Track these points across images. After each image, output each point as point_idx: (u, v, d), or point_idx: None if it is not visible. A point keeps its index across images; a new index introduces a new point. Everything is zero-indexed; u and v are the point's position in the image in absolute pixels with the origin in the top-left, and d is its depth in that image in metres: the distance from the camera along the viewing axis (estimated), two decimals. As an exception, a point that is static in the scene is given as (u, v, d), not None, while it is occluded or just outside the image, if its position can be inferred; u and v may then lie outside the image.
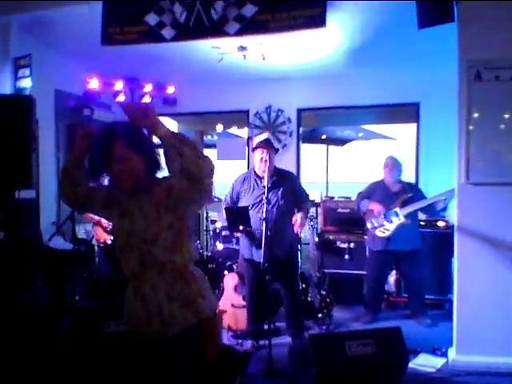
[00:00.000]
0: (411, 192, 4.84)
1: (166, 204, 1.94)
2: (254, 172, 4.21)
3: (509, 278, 3.64)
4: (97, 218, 4.31)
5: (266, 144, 4.12)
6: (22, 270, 4.50)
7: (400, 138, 10.07)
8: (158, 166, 2.05)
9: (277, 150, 4.26)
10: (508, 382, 3.44)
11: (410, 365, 3.59)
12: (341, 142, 10.14)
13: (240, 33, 4.08)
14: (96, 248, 4.90)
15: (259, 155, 4.09)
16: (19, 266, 4.34)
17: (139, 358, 2.06)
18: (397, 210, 4.76)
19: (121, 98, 6.49)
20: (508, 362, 3.58)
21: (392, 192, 4.91)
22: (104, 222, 4.29)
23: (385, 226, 4.81)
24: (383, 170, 5.02)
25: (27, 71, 4.79)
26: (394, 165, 4.95)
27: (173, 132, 1.84)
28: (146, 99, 6.62)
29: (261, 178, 4.11)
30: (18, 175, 3.91)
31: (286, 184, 4.12)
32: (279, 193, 4.07)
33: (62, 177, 2.14)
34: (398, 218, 4.74)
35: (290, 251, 4.23)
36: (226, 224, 4.59)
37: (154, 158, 2.03)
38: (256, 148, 4.15)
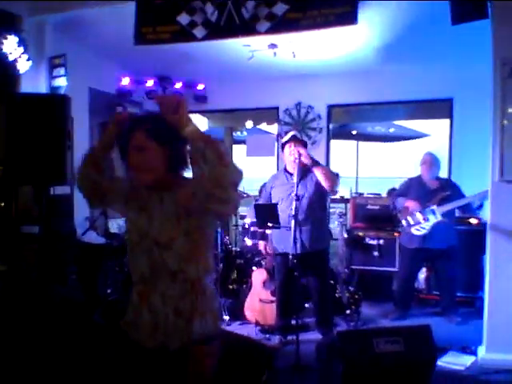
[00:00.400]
0: (449, 189, 4.74)
1: (189, 208, 1.79)
2: (285, 169, 4.28)
3: (541, 278, 3.57)
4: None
5: (294, 139, 4.17)
6: (57, 264, 4.65)
7: (433, 134, 9.92)
8: (183, 164, 1.87)
9: (305, 144, 4.27)
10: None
11: (439, 362, 3.57)
12: (372, 138, 10.05)
13: (271, 31, 4.10)
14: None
15: (289, 152, 4.13)
16: (54, 260, 4.48)
17: (138, 368, 1.95)
18: (434, 208, 4.67)
19: (152, 95, 6.62)
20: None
21: (429, 189, 4.82)
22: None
23: (421, 224, 4.73)
24: (421, 167, 4.92)
25: (62, 70, 4.92)
26: (432, 161, 4.85)
27: (202, 133, 1.72)
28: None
29: (291, 174, 4.14)
30: (53, 172, 4.04)
31: (312, 176, 4.14)
32: (308, 185, 4.11)
33: (86, 163, 1.96)
34: (435, 216, 4.66)
35: (321, 243, 4.23)
36: (254, 220, 4.63)
37: (179, 155, 1.85)
38: (285, 144, 4.19)
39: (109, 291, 5.17)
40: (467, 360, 3.77)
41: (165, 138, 1.81)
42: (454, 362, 3.74)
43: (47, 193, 4.48)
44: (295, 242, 3.77)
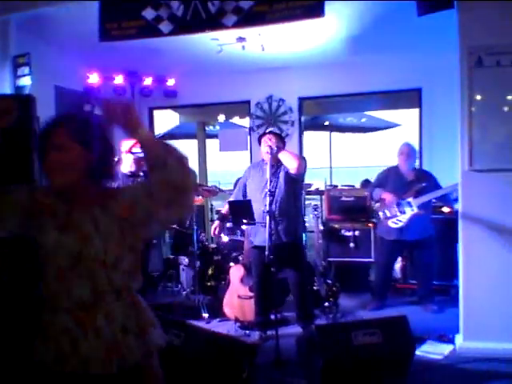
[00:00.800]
0: (425, 181, 4.76)
1: (132, 220, 1.63)
2: (263, 160, 4.25)
3: (513, 264, 3.64)
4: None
5: (272, 132, 4.19)
6: (29, 266, 4.53)
7: (404, 124, 10.04)
8: (107, 173, 1.71)
9: (284, 141, 4.29)
10: (515, 367, 3.46)
11: (417, 352, 3.61)
12: (344, 129, 10.11)
13: (238, 25, 4.06)
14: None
15: (265, 142, 4.12)
16: (25, 262, 4.36)
17: None
18: (410, 200, 4.70)
19: (121, 92, 6.51)
20: (514, 347, 3.59)
21: (406, 181, 4.83)
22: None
23: (398, 216, 4.76)
24: (398, 158, 4.91)
25: (26, 69, 4.79)
26: (409, 152, 4.86)
27: (158, 139, 1.63)
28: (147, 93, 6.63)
29: (266, 167, 4.11)
30: (19, 173, 3.91)
31: (285, 167, 4.13)
32: (281, 176, 4.11)
33: None
34: (412, 208, 4.69)
35: (296, 234, 4.23)
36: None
37: (105, 163, 1.67)
38: (262, 136, 4.20)
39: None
40: (445, 349, 3.82)
41: (91, 142, 1.61)
42: (431, 351, 3.79)
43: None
44: (270, 235, 3.76)
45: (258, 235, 4.13)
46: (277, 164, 4.12)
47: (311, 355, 3.29)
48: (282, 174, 4.12)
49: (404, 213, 4.74)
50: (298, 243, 4.29)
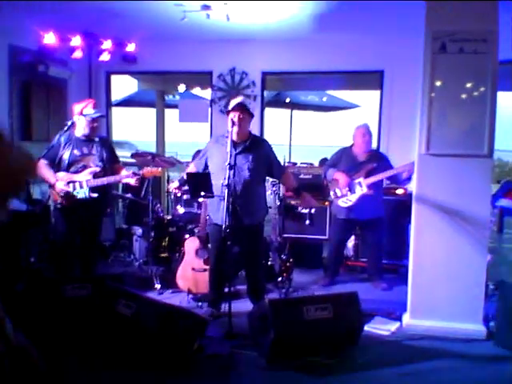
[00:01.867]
0: (377, 161, 4.84)
1: None
2: (225, 135, 4.07)
3: (462, 247, 3.76)
4: (52, 181, 4.14)
5: (240, 107, 3.99)
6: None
7: (364, 105, 10.14)
8: None
9: (252, 115, 4.13)
10: (460, 347, 3.59)
11: (366, 328, 3.72)
12: (305, 107, 10.12)
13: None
14: (52, 209, 4.77)
15: (231, 118, 3.96)
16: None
17: None
18: (360, 180, 4.78)
19: (78, 53, 6.24)
20: (459, 327, 3.74)
21: (358, 161, 4.89)
22: (58, 186, 4.12)
23: (347, 196, 4.84)
24: (354, 139, 4.95)
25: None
26: (365, 134, 4.89)
27: None
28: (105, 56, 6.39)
29: (233, 141, 3.95)
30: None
31: (258, 150, 4.03)
32: (250, 157, 3.98)
33: None
34: (361, 188, 4.77)
35: (256, 218, 4.14)
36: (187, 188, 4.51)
37: None
38: (230, 111, 4.01)
39: (32, 260, 4.94)
40: (392, 325, 3.93)
41: None
42: (379, 327, 3.89)
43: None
44: (228, 214, 3.67)
45: (217, 213, 4.05)
46: (247, 142, 4.01)
47: (263, 328, 3.32)
48: (254, 156, 3.99)
49: (354, 192, 4.82)
50: (256, 226, 4.18)
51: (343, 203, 4.89)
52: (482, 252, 3.78)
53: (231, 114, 3.98)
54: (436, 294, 3.83)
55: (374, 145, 6.29)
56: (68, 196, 4.14)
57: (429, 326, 3.79)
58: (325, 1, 4.85)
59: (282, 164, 4.65)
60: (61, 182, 4.12)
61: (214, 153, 4.12)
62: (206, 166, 4.19)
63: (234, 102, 4.05)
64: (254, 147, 4.05)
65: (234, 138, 3.96)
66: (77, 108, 4.23)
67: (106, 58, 6.44)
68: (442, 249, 3.82)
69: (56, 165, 4.19)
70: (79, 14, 5.37)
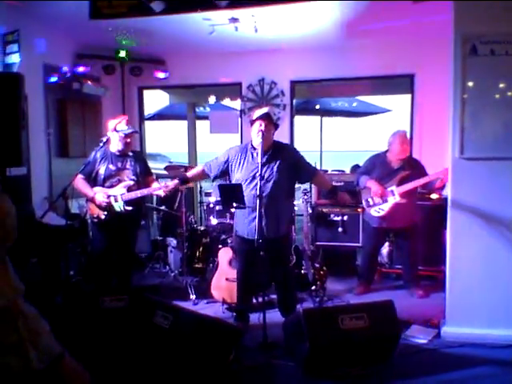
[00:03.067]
0: (411, 169, 4.73)
1: None
2: (252, 146, 4.04)
3: (500, 252, 3.68)
4: (90, 194, 4.28)
5: (265, 117, 3.95)
6: (16, 247, 4.51)
7: (395, 110, 10.04)
8: None
9: (276, 126, 4.10)
10: (498, 353, 3.51)
11: (403, 336, 3.66)
12: (335, 113, 10.08)
13: (231, 6, 4.01)
14: (89, 223, 4.91)
15: (257, 128, 3.92)
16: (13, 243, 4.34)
17: None
18: (393, 188, 4.70)
19: (111, 70, 6.42)
20: (499, 334, 3.66)
21: (392, 169, 4.80)
22: (97, 198, 4.26)
23: (380, 205, 4.78)
24: (391, 146, 4.82)
25: (15, 47, 4.70)
26: (404, 141, 4.77)
27: None
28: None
29: (257, 152, 3.90)
30: (7, 154, 3.83)
31: (283, 158, 3.96)
32: (275, 167, 3.92)
33: None
34: (394, 197, 4.70)
35: (283, 230, 4.08)
36: (219, 199, 4.55)
37: None
38: (255, 120, 3.98)
39: (71, 273, 5.07)
40: (430, 333, 3.87)
41: None
42: (417, 335, 3.84)
43: (3, 174, 4.31)
44: (260, 218, 3.61)
45: (242, 226, 4.05)
46: (269, 152, 3.96)
47: (298, 339, 3.32)
48: (279, 167, 3.93)
49: (386, 201, 4.75)
50: (282, 239, 4.10)
51: (375, 212, 4.84)
52: (521, 256, 3.69)
53: (256, 124, 3.96)
54: (474, 300, 3.75)
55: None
56: (108, 207, 4.26)
57: (467, 333, 3.71)
58: (352, 7, 4.86)
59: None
60: (100, 193, 4.25)
61: (239, 163, 4.04)
62: (223, 174, 4.15)
63: (258, 113, 4.04)
64: (278, 155, 3.98)
65: (260, 146, 3.89)
66: (111, 124, 4.35)
67: (138, 74, 6.59)
68: (478, 254, 3.74)
69: (92, 179, 4.32)
70: (111, 31, 5.51)
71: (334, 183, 5.66)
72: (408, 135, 5.02)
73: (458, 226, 3.79)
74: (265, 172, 3.86)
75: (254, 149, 3.99)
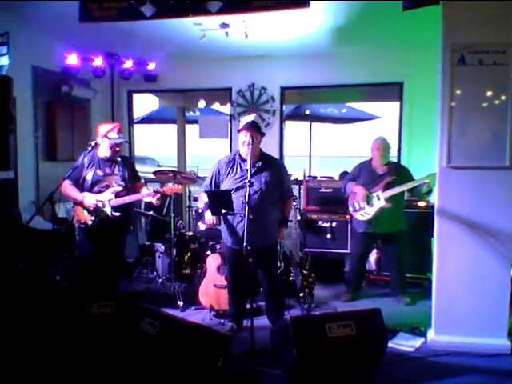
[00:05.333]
0: (397, 174, 4.79)
1: None
2: (239, 155, 4.06)
3: (487, 261, 3.71)
4: (79, 198, 4.23)
5: (251, 127, 3.95)
6: (2, 250, 4.46)
7: (384, 116, 10.10)
8: None
9: (263, 134, 4.11)
10: (485, 362, 3.53)
11: (390, 344, 3.65)
12: (325, 119, 10.13)
13: (222, 11, 4.01)
14: (76, 228, 4.86)
15: (243, 138, 3.95)
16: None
17: None
18: (379, 193, 4.75)
19: (100, 74, 6.38)
20: (485, 342, 3.68)
21: (378, 174, 4.87)
22: (86, 202, 4.21)
23: (365, 209, 4.82)
24: (372, 152, 4.94)
25: (4, 49, 4.65)
26: (383, 147, 4.86)
27: None
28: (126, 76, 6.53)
29: (245, 161, 3.94)
30: (-5, 156, 3.83)
31: (271, 170, 4.00)
32: (263, 179, 3.96)
33: None
34: (379, 201, 4.74)
35: (271, 239, 4.11)
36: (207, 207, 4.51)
37: None
38: (241, 130, 4.00)
39: (58, 278, 5.02)
40: (416, 341, 3.89)
41: None
42: (403, 343, 3.85)
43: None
44: (249, 225, 3.60)
45: (228, 235, 4.09)
46: (258, 163, 3.98)
47: (285, 346, 3.31)
48: (265, 179, 3.96)
49: (372, 206, 4.79)
50: (269, 248, 4.13)
51: (361, 216, 4.86)
52: (506, 265, 3.71)
53: (242, 134, 3.98)
54: (461, 308, 3.77)
55: (395, 157, 6.27)
56: (97, 210, 4.22)
57: (454, 342, 3.73)
58: (342, 15, 4.89)
59: (295, 187, 4.59)
60: (89, 197, 4.21)
61: (227, 173, 4.08)
62: (216, 186, 4.15)
63: (244, 121, 4.04)
64: (267, 167, 4.02)
65: (246, 158, 3.92)
66: (102, 130, 4.32)
67: (128, 77, 6.57)
68: (465, 262, 3.77)
69: (80, 185, 4.28)
70: (101, 35, 5.49)
71: (323, 189, 5.72)
72: (391, 141, 5.04)
73: (444, 234, 3.82)
74: (253, 182, 3.83)
75: (242, 159, 4.02)
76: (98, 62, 6.34)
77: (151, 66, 6.63)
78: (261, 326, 3.98)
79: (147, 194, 4.34)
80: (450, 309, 3.79)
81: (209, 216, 4.16)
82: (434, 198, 4.11)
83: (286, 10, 3.97)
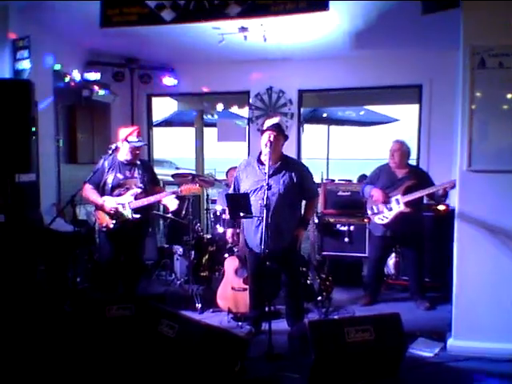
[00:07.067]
0: (416, 178, 4.75)
1: None
2: (258, 157, 4.06)
3: (508, 265, 3.66)
4: (99, 202, 4.30)
5: (275, 128, 3.97)
6: (24, 253, 4.54)
7: (403, 119, 10.02)
8: None
9: (286, 137, 4.11)
10: (505, 367, 3.48)
11: (409, 349, 3.63)
12: (343, 122, 10.09)
13: (241, 15, 4.02)
14: (97, 230, 4.93)
15: (266, 138, 3.93)
16: (21, 249, 4.37)
17: None
18: (398, 197, 4.71)
19: (120, 78, 6.47)
20: (505, 347, 3.62)
21: (397, 178, 4.82)
22: (107, 205, 4.27)
23: (384, 213, 4.79)
24: (389, 155, 4.88)
25: (26, 53, 4.75)
26: (400, 149, 4.81)
27: None
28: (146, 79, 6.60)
29: (264, 165, 3.92)
30: (17, 160, 3.92)
31: (291, 173, 3.99)
32: (281, 180, 3.95)
33: None
34: (399, 205, 4.70)
35: (288, 242, 4.06)
36: (225, 208, 4.56)
37: None
38: (265, 131, 4.00)
39: (78, 280, 5.09)
40: (436, 347, 3.84)
41: None
42: (423, 348, 3.81)
43: (12, 180, 4.35)
44: (267, 229, 3.66)
45: (250, 238, 4.09)
46: (277, 165, 3.98)
47: (303, 350, 3.30)
48: (284, 180, 3.95)
49: (391, 209, 4.75)
50: (290, 251, 4.10)
51: (379, 220, 4.83)
52: (528, 270, 3.66)
53: (265, 134, 3.97)
54: (481, 313, 3.72)
55: (414, 160, 6.22)
56: (118, 214, 4.28)
57: (474, 347, 3.68)
58: (360, 18, 4.87)
59: (317, 186, 4.53)
60: (109, 200, 4.27)
61: (245, 175, 4.10)
62: (238, 189, 4.17)
63: (269, 123, 4.07)
64: (286, 169, 4.00)
65: (265, 158, 3.93)
66: (122, 134, 4.38)
67: (147, 81, 6.65)
68: (486, 266, 3.72)
69: (100, 189, 4.35)
70: (121, 39, 5.56)
71: (340, 193, 5.70)
72: (414, 144, 5.00)
73: (465, 238, 3.78)
74: (271, 183, 3.86)
75: (261, 161, 4.02)
76: (119, 66, 6.43)
77: (170, 70, 6.69)
78: (279, 329, 3.97)
79: (165, 194, 4.40)
80: (470, 314, 3.74)
81: (228, 233, 4.46)
82: (453, 202, 4.07)
83: (304, 14, 3.97)
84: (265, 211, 3.69)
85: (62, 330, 3.86)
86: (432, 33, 4.98)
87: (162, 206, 6.06)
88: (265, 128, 4.04)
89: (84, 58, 6.32)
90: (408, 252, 5.01)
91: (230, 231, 4.51)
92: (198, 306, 4.78)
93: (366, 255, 5.44)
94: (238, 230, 4.45)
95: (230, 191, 4.30)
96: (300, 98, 6.78)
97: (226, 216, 4.47)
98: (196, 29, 5.05)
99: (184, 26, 4.57)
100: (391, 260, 5.48)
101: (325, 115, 9.44)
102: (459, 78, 3.75)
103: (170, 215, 5.66)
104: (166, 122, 10.68)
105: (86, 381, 3.29)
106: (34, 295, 4.26)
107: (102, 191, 4.35)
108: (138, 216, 4.31)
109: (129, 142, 4.34)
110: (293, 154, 6.41)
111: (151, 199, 4.38)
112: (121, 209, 4.29)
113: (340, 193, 5.72)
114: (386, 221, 4.79)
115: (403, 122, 10.21)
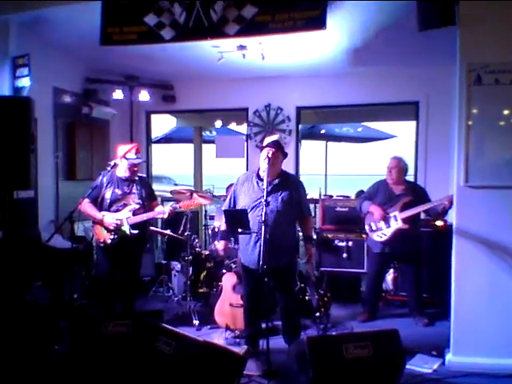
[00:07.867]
0: (414, 194, 4.77)
1: None
2: (257, 173, 4.06)
3: (506, 281, 3.66)
4: (98, 217, 4.31)
5: (274, 145, 3.98)
6: (21, 269, 4.53)
7: (400, 136, 10.08)
8: None
9: (285, 154, 4.12)
10: (504, 383, 3.46)
11: (407, 366, 3.61)
12: (340, 138, 10.13)
13: (240, 34, 4.08)
14: (94, 246, 4.92)
15: (265, 154, 3.93)
16: (18, 265, 4.36)
17: None
18: (396, 213, 4.73)
19: (119, 95, 6.52)
20: (504, 363, 3.61)
21: (394, 194, 4.85)
22: (106, 220, 4.28)
23: (382, 230, 4.80)
24: (387, 172, 4.93)
25: (25, 70, 4.80)
26: (398, 166, 4.85)
27: None
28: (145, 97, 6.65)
29: (263, 180, 3.90)
30: (16, 176, 3.92)
31: (289, 189, 3.98)
32: (279, 197, 3.94)
33: None
34: (397, 222, 4.72)
35: (286, 260, 4.04)
36: (224, 226, 4.54)
37: None
38: (264, 147, 4.01)
39: (75, 296, 5.07)
40: (435, 363, 3.82)
41: None
42: (421, 365, 3.79)
43: (11, 197, 4.36)
44: (265, 244, 3.63)
45: (245, 255, 4.06)
46: (276, 181, 3.97)
47: (302, 366, 3.28)
48: (282, 198, 3.94)
49: (389, 226, 4.76)
50: (286, 267, 4.06)
51: (378, 237, 4.84)
52: (526, 286, 3.66)
53: (264, 151, 3.97)
54: (479, 328, 3.72)
55: (411, 177, 6.24)
56: (117, 230, 4.28)
57: (473, 363, 3.67)
58: (358, 36, 4.94)
59: (311, 206, 4.58)
60: (109, 216, 4.28)
61: (244, 190, 4.08)
62: (235, 204, 4.16)
63: (269, 139, 4.09)
64: (284, 186, 3.99)
65: (266, 172, 3.91)
66: (121, 151, 4.41)
67: (146, 98, 6.70)
68: (484, 282, 3.72)
69: (98, 204, 4.36)
70: (120, 57, 5.62)
71: (338, 208, 5.71)
72: (411, 161, 5.03)
73: (463, 254, 3.78)
74: (270, 200, 3.85)
75: (260, 177, 4.01)
76: (117, 83, 6.49)
77: (169, 87, 6.77)
78: (276, 346, 3.94)
79: (162, 211, 4.41)
80: (469, 329, 3.73)
81: (220, 246, 4.38)
82: (451, 218, 4.08)
83: (302, 32, 4.02)
84: (263, 227, 3.69)
85: (58, 348, 3.84)
86: (428, 49, 5.04)
87: (160, 221, 6.07)
88: (264, 144, 4.06)
89: (84, 75, 6.38)
90: (406, 268, 5.01)
91: (222, 243, 4.41)
92: (196, 322, 4.76)
93: (365, 271, 5.44)
94: (229, 245, 4.45)
95: (226, 204, 4.28)
96: (298, 115, 6.83)
97: (222, 227, 4.43)
98: (195, 46, 5.10)
99: (183, 43, 4.63)
100: (389, 276, 5.48)
101: (323, 131, 9.49)
102: (456, 95, 3.79)
103: (168, 231, 5.66)
104: (165, 139, 10.72)
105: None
106: (29, 311, 4.23)
107: (99, 206, 4.36)
108: (135, 232, 4.32)
109: (127, 159, 4.37)
110: (291, 170, 6.42)
111: (150, 215, 4.41)
112: (119, 223, 4.30)
113: (338, 208, 5.74)
114: (384, 238, 4.79)
115: (401, 138, 10.25)
